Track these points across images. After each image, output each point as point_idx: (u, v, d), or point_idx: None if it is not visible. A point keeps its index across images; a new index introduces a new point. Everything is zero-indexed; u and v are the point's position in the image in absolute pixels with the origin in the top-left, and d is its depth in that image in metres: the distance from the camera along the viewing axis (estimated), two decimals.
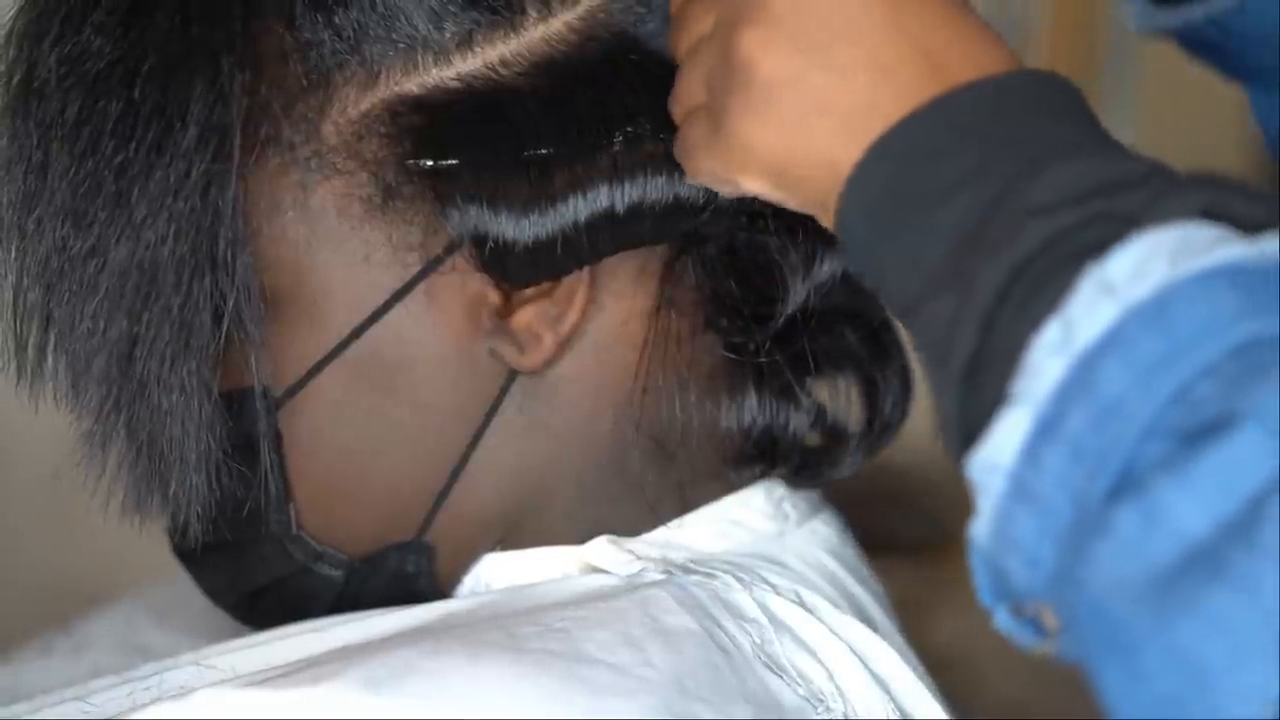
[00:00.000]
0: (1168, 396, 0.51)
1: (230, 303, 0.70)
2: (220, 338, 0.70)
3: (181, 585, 0.86)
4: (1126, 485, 0.51)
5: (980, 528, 0.55)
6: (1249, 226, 0.55)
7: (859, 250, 0.62)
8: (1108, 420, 0.52)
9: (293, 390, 0.74)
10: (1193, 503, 0.50)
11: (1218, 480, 0.50)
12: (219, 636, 0.78)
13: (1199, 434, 0.50)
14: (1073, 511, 0.53)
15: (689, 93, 0.68)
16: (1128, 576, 0.51)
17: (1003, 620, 0.57)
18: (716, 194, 0.72)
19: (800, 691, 0.71)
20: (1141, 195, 0.56)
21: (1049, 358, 0.54)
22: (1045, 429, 0.53)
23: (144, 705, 0.71)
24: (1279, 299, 0.52)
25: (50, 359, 0.72)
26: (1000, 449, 0.54)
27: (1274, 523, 0.49)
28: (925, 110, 0.61)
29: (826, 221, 0.64)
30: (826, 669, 0.73)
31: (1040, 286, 0.55)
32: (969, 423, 0.57)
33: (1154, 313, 0.52)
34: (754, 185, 0.66)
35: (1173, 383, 0.51)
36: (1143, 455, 0.51)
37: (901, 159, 0.61)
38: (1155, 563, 0.50)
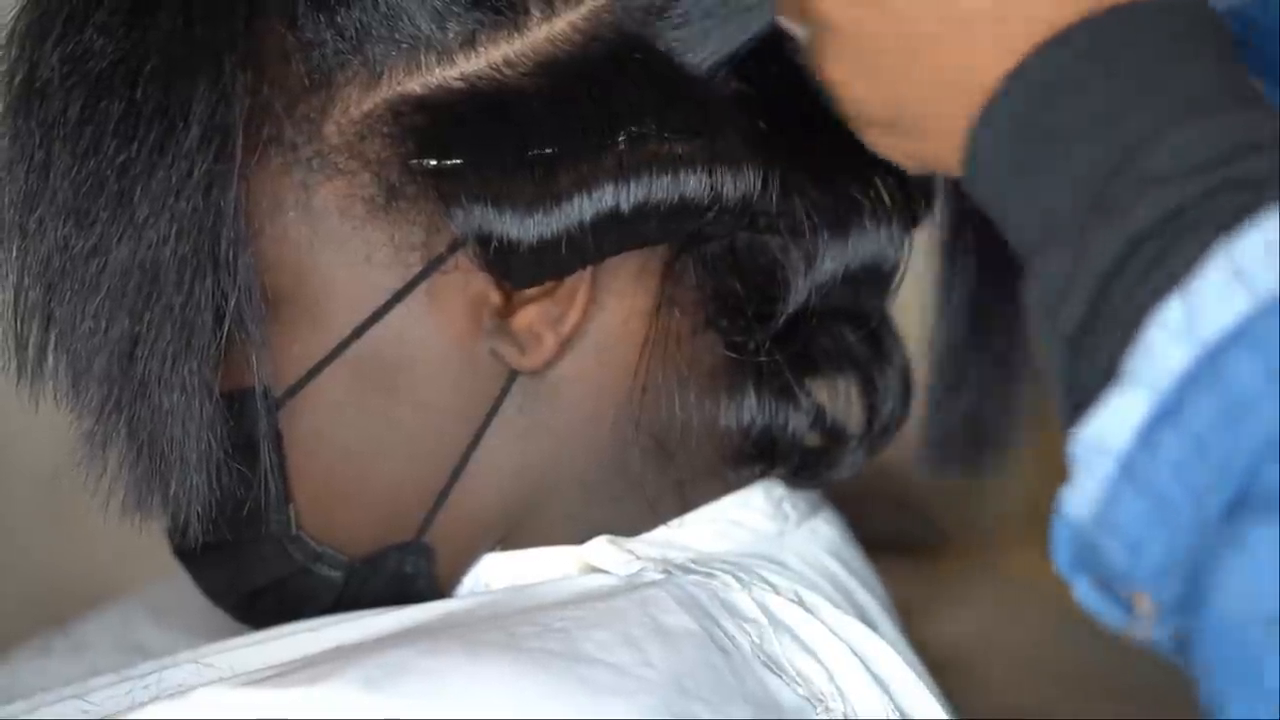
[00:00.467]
0: None
1: (232, 303, 0.70)
2: (222, 338, 0.70)
3: (179, 585, 0.86)
4: (1260, 498, 0.50)
5: (1077, 501, 0.54)
6: None
7: (987, 180, 0.61)
8: (1237, 420, 0.51)
9: (293, 390, 0.74)
10: None
11: None
12: (217, 636, 0.78)
13: None
14: (1192, 508, 0.52)
15: None
16: (1264, 598, 0.50)
17: (1084, 593, 0.56)
18: (723, 193, 0.72)
19: (800, 692, 0.71)
20: (1270, 160, 0.54)
21: (1172, 341, 0.52)
22: (1165, 416, 0.52)
23: (142, 704, 0.71)
24: None
25: (51, 358, 0.71)
26: (1112, 429, 0.53)
27: None
28: (1063, 36, 0.59)
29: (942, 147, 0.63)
30: (826, 669, 0.73)
31: (1160, 260, 0.54)
32: (1073, 386, 0.56)
33: None
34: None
35: None
36: (1277, 466, 0.50)
37: (1035, 89, 0.59)
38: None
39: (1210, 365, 0.51)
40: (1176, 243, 0.54)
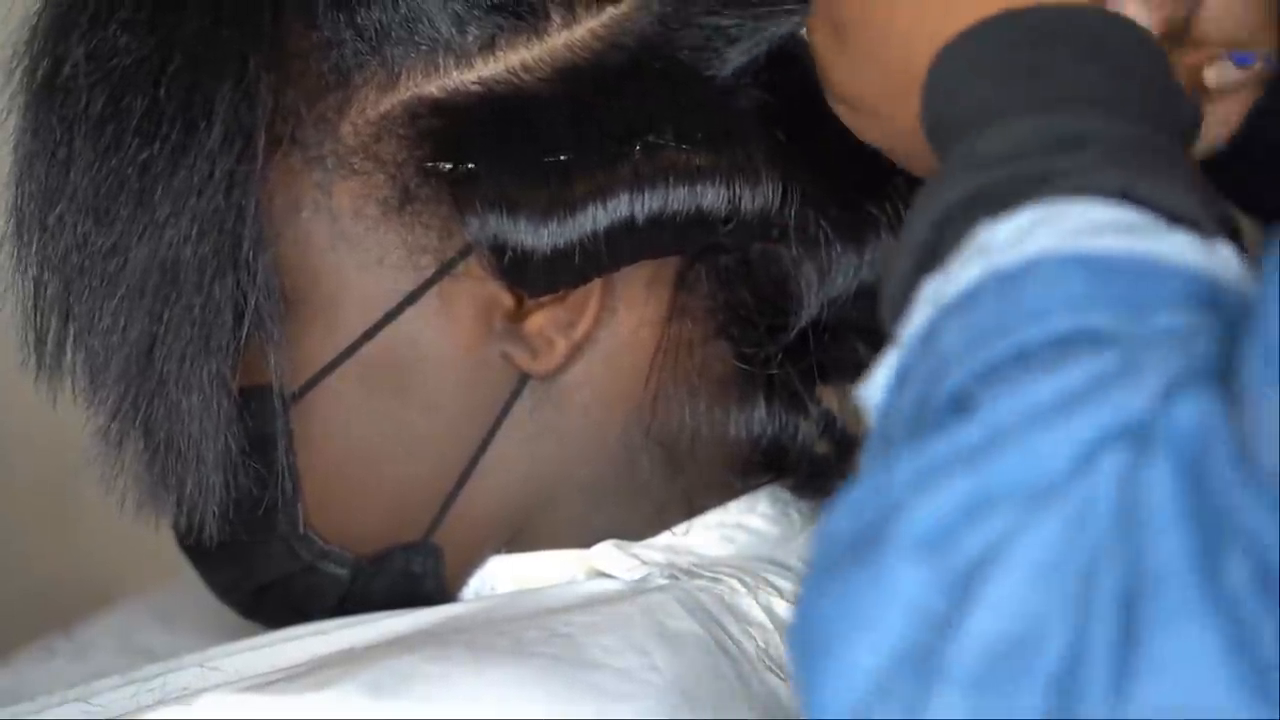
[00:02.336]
0: (978, 368, 0.51)
1: (251, 303, 0.70)
2: (240, 338, 0.70)
3: (183, 587, 0.86)
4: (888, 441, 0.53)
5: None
6: (1170, 216, 0.54)
7: (937, 149, 0.62)
8: (936, 378, 0.53)
9: (305, 389, 0.74)
10: (866, 490, 0.51)
11: (916, 469, 0.50)
12: (222, 638, 0.78)
13: (954, 410, 0.51)
14: None
15: None
16: (834, 527, 0.52)
17: None
18: (740, 205, 0.72)
19: None
20: (1077, 158, 0.55)
21: (921, 307, 0.55)
22: (903, 375, 0.54)
23: (148, 707, 0.71)
24: (1118, 297, 0.52)
25: (69, 355, 0.71)
26: (874, 386, 0.56)
27: (908, 524, 0.49)
28: (981, 26, 0.60)
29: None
30: None
31: (951, 235, 0.56)
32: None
33: (1010, 283, 0.52)
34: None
35: (987, 356, 0.51)
36: (929, 418, 0.52)
37: (948, 76, 0.61)
38: (839, 529, 0.52)
39: (935, 325, 0.54)
40: (964, 222, 0.56)
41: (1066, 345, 0.51)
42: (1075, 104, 0.58)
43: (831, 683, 0.49)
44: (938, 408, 0.52)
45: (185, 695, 0.69)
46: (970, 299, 0.53)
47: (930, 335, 0.54)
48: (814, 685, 0.50)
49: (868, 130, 0.68)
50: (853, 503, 0.52)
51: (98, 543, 1.22)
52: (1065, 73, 0.59)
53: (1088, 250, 0.52)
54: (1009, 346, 0.51)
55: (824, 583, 0.51)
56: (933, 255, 0.56)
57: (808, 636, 0.51)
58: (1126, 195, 0.54)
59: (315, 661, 0.70)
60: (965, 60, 0.60)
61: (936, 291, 0.54)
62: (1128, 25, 0.61)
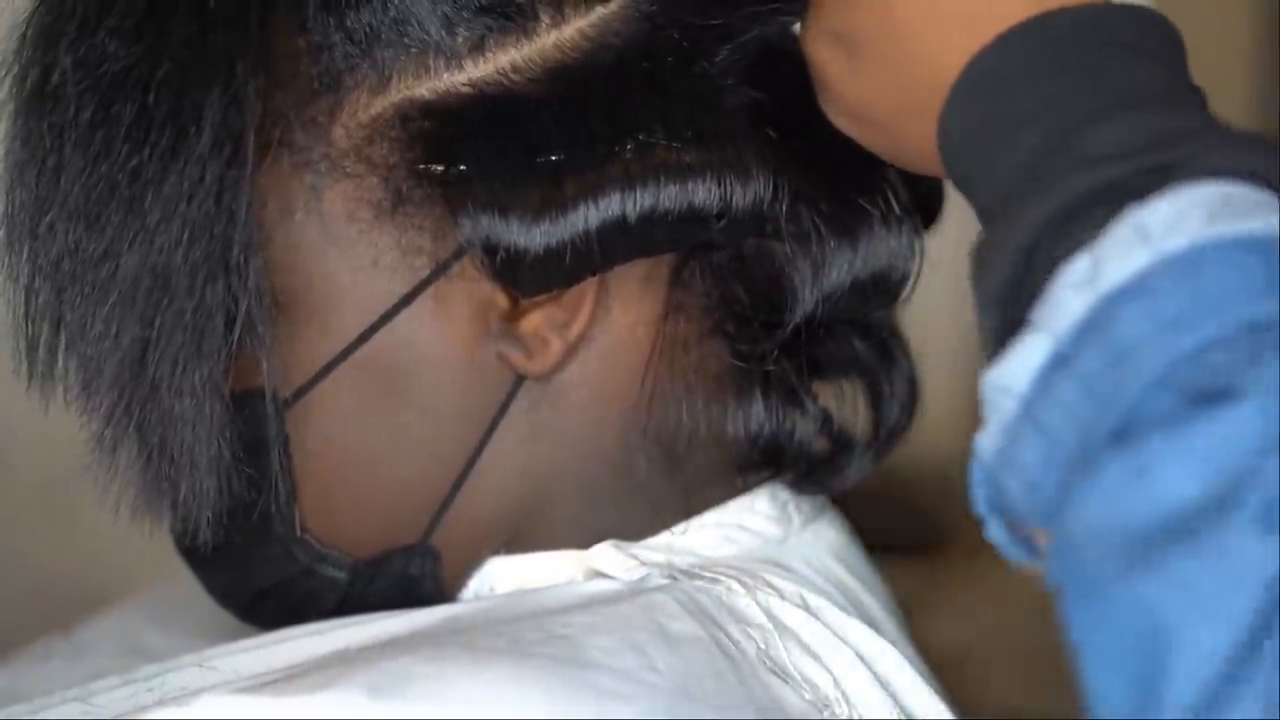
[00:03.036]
0: (1183, 354, 0.53)
1: (243, 307, 0.69)
2: (232, 342, 0.70)
3: (182, 588, 0.86)
4: (1124, 434, 0.53)
5: (986, 443, 0.58)
6: None
7: (958, 174, 0.64)
8: (1121, 364, 0.54)
9: (300, 393, 0.74)
10: (1179, 468, 0.51)
11: (1208, 450, 0.51)
12: (220, 639, 0.78)
13: (1202, 399, 0.52)
14: (1078, 447, 0.55)
15: None
16: (1103, 523, 0.53)
17: (995, 532, 0.60)
18: (732, 202, 0.72)
19: (806, 697, 0.71)
20: (1191, 147, 0.57)
21: (1073, 293, 0.55)
22: (1061, 361, 0.55)
23: (146, 707, 0.71)
24: None
25: (61, 361, 0.71)
26: (1015, 373, 0.56)
27: (1248, 505, 0.50)
28: (1020, 29, 0.62)
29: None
30: (831, 674, 0.73)
31: (1079, 226, 0.57)
32: (999, 347, 0.59)
33: (1184, 269, 0.54)
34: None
35: (1190, 342, 0.53)
36: (1149, 406, 0.53)
37: (992, 80, 0.62)
38: (1132, 518, 0.52)
39: (1102, 314, 0.55)
40: (1092, 212, 0.57)
41: (1260, 329, 0.52)
42: (1152, 100, 0.60)
43: (1183, 673, 0.49)
44: (1150, 394, 0.53)
45: (183, 695, 0.69)
46: (1143, 287, 0.54)
47: (1100, 323, 0.55)
48: (1159, 681, 0.50)
49: (874, 140, 0.69)
50: (1110, 496, 0.52)
51: (96, 543, 1.22)
52: (1124, 69, 0.61)
53: (1252, 233, 0.54)
54: (1211, 330, 0.53)
55: (1131, 579, 0.51)
56: (1051, 247, 0.57)
57: (1131, 637, 0.51)
58: (1253, 175, 0.56)
59: (313, 662, 0.70)
60: (1015, 62, 0.62)
61: (1088, 279, 0.55)
62: (1151, 16, 0.63)
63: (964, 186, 0.64)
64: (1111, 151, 0.58)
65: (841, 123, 0.70)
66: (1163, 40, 0.63)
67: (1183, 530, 0.50)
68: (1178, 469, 0.51)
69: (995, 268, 0.59)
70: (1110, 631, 0.52)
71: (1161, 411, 0.52)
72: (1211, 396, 0.52)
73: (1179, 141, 0.58)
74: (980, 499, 0.59)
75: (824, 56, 0.69)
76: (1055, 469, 0.55)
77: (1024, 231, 0.58)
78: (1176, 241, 0.54)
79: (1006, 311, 0.59)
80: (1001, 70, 0.62)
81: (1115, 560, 0.52)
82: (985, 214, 0.62)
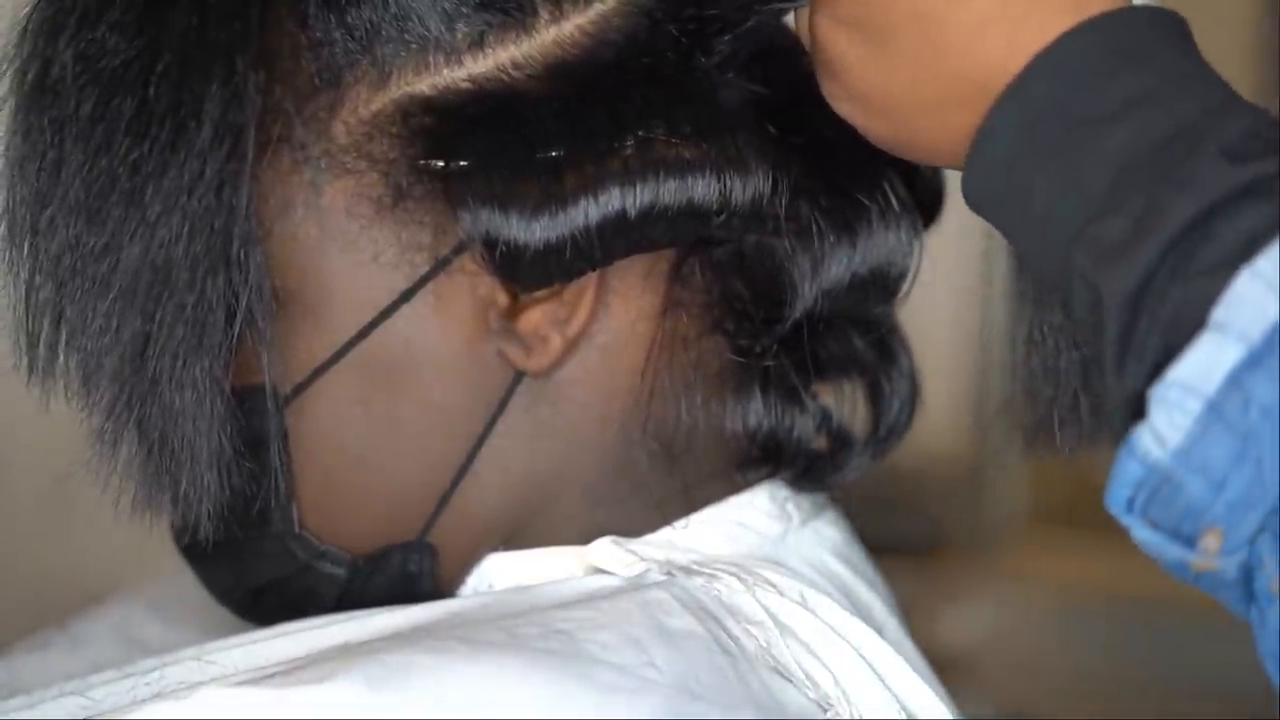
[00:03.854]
0: None
1: (243, 301, 0.69)
2: (233, 337, 0.70)
3: (180, 581, 0.86)
4: None
5: (1155, 443, 0.58)
6: None
7: (1000, 170, 0.64)
8: None
9: (300, 388, 0.74)
10: None
11: None
12: (219, 632, 0.78)
13: None
14: (1277, 445, 0.56)
15: None
16: None
17: (1141, 534, 0.59)
18: (731, 197, 0.72)
19: (809, 695, 0.71)
20: None
21: (1264, 292, 0.56)
22: (1256, 361, 0.56)
23: (144, 700, 0.70)
24: None
25: (62, 356, 0.71)
26: (1201, 373, 0.57)
27: None
28: (1085, 28, 0.62)
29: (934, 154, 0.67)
30: (831, 672, 0.73)
31: (1232, 225, 0.58)
32: (1128, 340, 0.59)
33: None
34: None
35: None
36: None
37: (1064, 75, 0.62)
38: None
39: None
40: (1249, 211, 0.58)
41: None
42: (1237, 104, 0.61)
43: None
44: None
45: (182, 689, 0.68)
46: None
47: None
48: None
49: (879, 128, 0.69)
50: None
51: (95, 536, 1.22)
52: (1198, 71, 0.62)
53: None
54: None
55: None
56: (1192, 232, 0.58)
57: None
58: None
59: (312, 656, 0.70)
60: (1085, 59, 0.62)
61: (1275, 280, 0.56)
62: (1181, 19, 0.64)
63: (1005, 185, 0.64)
64: (1247, 149, 0.59)
65: (847, 109, 0.70)
66: (1189, 38, 0.63)
67: None
68: None
69: (1129, 260, 0.59)
70: None
71: None
72: None
73: None
74: (1119, 500, 0.59)
75: (837, 42, 0.68)
76: (1251, 466, 0.56)
77: (1164, 229, 0.58)
78: None
79: (1139, 309, 0.59)
80: (1069, 67, 0.62)
81: None
82: (1055, 214, 0.62)
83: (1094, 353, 0.64)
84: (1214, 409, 0.57)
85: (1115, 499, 0.59)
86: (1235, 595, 0.59)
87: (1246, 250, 0.57)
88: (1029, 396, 0.73)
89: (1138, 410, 0.59)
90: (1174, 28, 0.63)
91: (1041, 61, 0.63)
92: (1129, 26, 0.62)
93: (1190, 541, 0.58)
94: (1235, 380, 0.56)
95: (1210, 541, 0.58)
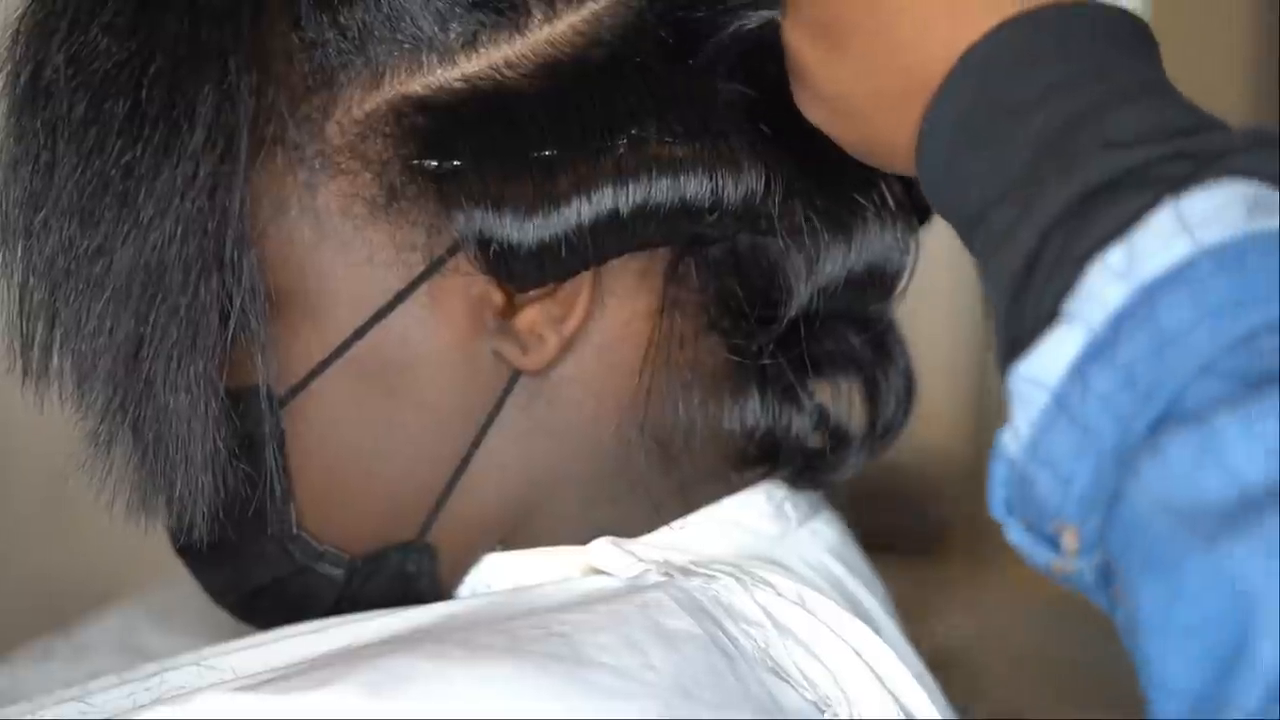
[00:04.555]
0: (1233, 340, 0.53)
1: (237, 303, 0.69)
2: (227, 338, 0.70)
3: (180, 587, 0.86)
4: (1180, 416, 0.53)
5: (1012, 438, 0.57)
6: None
7: (941, 166, 0.64)
8: (1166, 351, 0.54)
9: (295, 390, 0.74)
10: (1252, 444, 0.52)
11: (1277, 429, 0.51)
12: (219, 638, 0.78)
13: (1263, 382, 0.52)
14: (1116, 436, 0.54)
15: None
16: (1175, 500, 0.52)
17: (1016, 535, 0.58)
18: (723, 196, 0.72)
19: (807, 695, 0.71)
20: (1213, 141, 0.57)
21: (1110, 282, 0.55)
22: (1097, 352, 0.55)
23: (143, 706, 0.70)
24: None
25: (56, 358, 0.71)
26: (1046, 365, 0.56)
27: None
28: (1016, 21, 0.62)
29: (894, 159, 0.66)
30: (830, 672, 0.72)
31: (1107, 211, 0.57)
32: (1013, 330, 0.58)
33: (1230, 258, 0.54)
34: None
35: (1240, 328, 0.53)
36: (1199, 390, 0.53)
37: (992, 67, 0.62)
38: (1206, 494, 0.52)
39: (1143, 302, 0.55)
40: (1125, 197, 0.57)
41: None
42: (1159, 91, 0.60)
43: (1270, 633, 0.50)
44: (1200, 379, 0.53)
45: (182, 694, 0.68)
46: (1186, 276, 0.54)
47: (1138, 313, 0.55)
48: (1244, 645, 0.50)
49: (847, 133, 0.69)
50: (1179, 474, 0.52)
51: (95, 542, 1.22)
52: (1124, 62, 0.61)
53: None
54: (1260, 317, 0.53)
55: (1213, 549, 0.51)
56: (1071, 231, 0.57)
57: (1213, 605, 0.51)
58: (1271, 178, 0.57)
59: (311, 660, 0.70)
60: (1012, 52, 0.62)
61: (1124, 269, 0.55)
62: (1131, 17, 0.63)
63: (946, 179, 0.64)
64: (1133, 137, 0.58)
65: (815, 114, 0.70)
66: (1145, 41, 0.63)
67: (1263, 502, 0.51)
68: (1251, 446, 0.52)
69: (1010, 248, 0.59)
70: (1188, 603, 0.51)
71: (1218, 394, 0.53)
72: (1266, 380, 0.52)
73: (1196, 133, 0.58)
74: (998, 501, 0.58)
75: (803, 46, 0.69)
76: (1090, 460, 0.55)
77: (1042, 214, 0.58)
78: (1218, 233, 0.55)
79: (1019, 296, 0.58)
80: (999, 59, 0.62)
81: (1191, 534, 0.52)
82: (979, 201, 0.62)
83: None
84: (1059, 401, 0.56)
85: (994, 500, 0.58)
86: (1103, 600, 0.58)
87: (1112, 237, 0.56)
88: None
89: None
90: (1111, 23, 0.63)
91: (970, 55, 0.62)
92: (1062, 20, 0.62)
93: (1054, 542, 0.57)
94: (1077, 371, 0.55)
95: (1068, 541, 0.57)
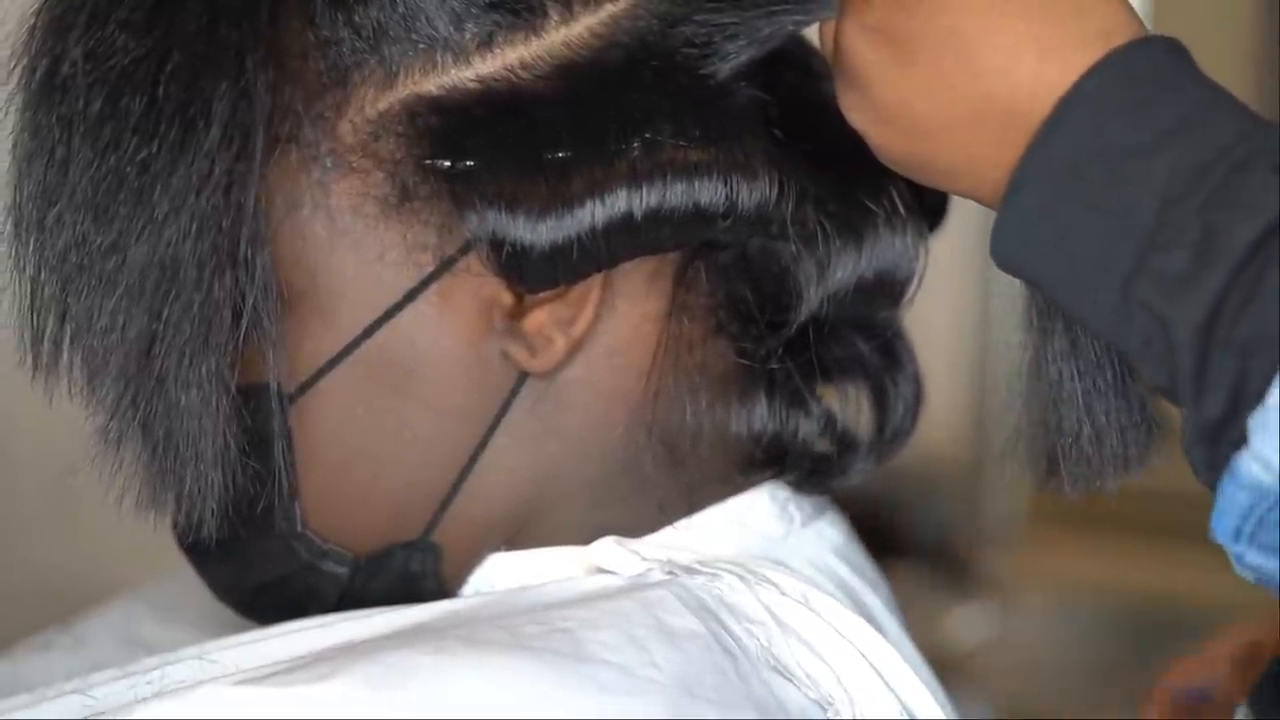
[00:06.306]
0: None
1: (250, 301, 0.69)
2: (239, 336, 0.70)
3: (182, 581, 0.86)
4: None
5: (1264, 469, 0.57)
6: None
7: (1033, 217, 0.64)
8: None
9: (304, 387, 0.74)
10: None
11: None
12: (220, 632, 0.78)
13: None
14: None
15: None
16: None
17: (1257, 559, 0.59)
18: (738, 201, 0.72)
19: (810, 695, 0.71)
20: None
21: None
22: None
23: (145, 699, 0.71)
24: None
25: (66, 353, 0.71)
26: None
27: None
28: (1107, 63, 0.63)
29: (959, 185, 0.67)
30: (834, 671, 0.73)
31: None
32: (1204, 366, 0.59)
33: None
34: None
35: None
36: None
37: (1097, 113, 0.62)
38: None
39: None
40: None
41: None
42: (1261, 120, 0.61)
43: None
44: None
45: (183, 688, 0.69)
46: None
47: None
48: None
49: (895, 143, 0.69)
50: None
51: (97, 536, 1.22)
52: (1226, 99, 0.62)
53: None
54: None
55: None
56: (1256, 255, 0.58)
57: None
58: None
59: (313, 655, 0.70)
60: (1125, 88, 0.62)
61: None
62: (1183, 45, 0.64)
63: (1041, 229, 0.64)
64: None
65: (863, 121, 0.70)
66: (1194, 64, 0.64)
67: None
68: None
69: (1196, 288, 0.59)
70: None
71: None
72: None
73: None
74: (1229, 529, 0.59)
75: (864, 50, 0.68)
76: None
77: (1234, 248, 0.58)
78: None
79: (1211, 333, 0.59)
80: (1102, 102, 0.62)
81: None
82: (1115, 256, 0.62)
83: (1159, 385, 0.63)
84: None
85: (1222, 528, 0.59)
86: None
87: None
88: (1035, 427, 0.72)
89: (1216, 438, 0.59)
90: (1186, 53, 0.63)
91: (1070, 102, 0.63)
92: (1150, 57, 0.63)
93: None
94: None
95: None
